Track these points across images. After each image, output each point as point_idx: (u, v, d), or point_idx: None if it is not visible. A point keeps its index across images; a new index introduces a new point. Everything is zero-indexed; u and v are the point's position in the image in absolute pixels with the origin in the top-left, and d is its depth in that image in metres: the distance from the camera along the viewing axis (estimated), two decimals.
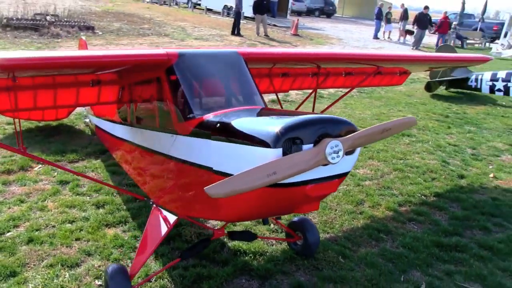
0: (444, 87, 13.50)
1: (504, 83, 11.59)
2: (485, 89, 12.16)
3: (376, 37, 27.47)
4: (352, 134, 2.66)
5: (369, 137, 2.77)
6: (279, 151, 2.50)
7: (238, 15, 21.79)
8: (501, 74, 11.78)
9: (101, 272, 3.89)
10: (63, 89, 4.09)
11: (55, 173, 5.83)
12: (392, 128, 2.87)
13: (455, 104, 12.12)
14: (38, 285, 3.70)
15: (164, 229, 3.59)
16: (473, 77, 12.49)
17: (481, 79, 12.24)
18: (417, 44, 23.92)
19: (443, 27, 24.12)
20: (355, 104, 11.16)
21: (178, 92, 3.42)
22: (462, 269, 4.37)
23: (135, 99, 4.20)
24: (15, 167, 5.86)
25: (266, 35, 22.44)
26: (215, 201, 2.88)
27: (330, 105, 5.75)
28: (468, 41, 28.08)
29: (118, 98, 4.53)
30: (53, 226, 4.61)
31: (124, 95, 4.37)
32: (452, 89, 13.54)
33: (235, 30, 21.80)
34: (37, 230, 4.50)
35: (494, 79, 11.87)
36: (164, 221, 3.64)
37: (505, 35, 27.11)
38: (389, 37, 27.74)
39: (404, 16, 27.21)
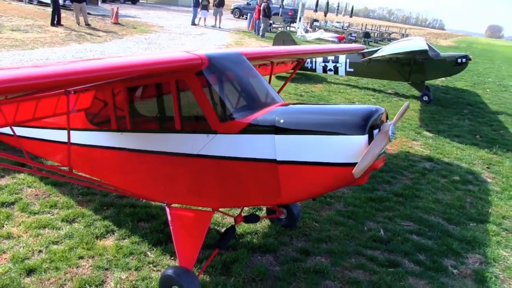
0: None
1: (334, 64, 13.98)
2: (319, 70, 14.41)
3: (193, 23, 28.63)
4: (394, 119, 3.53)
5: (396, 121, 3.67)
6: (367, 137, 3.21)
7: (56, 4, 19.91)
8: (331, 56, 14.15)
9: (133, 282, 3.95)
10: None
11: None
12: (402, 113, 3.84)
13: (300, 84, 14.07)
14: None
15: (200, 225, 3.86)
16: (309, 59, 14.63)
17: (315, 61, 14.43)
18: (264, 32, 26.44)
19: (258, 14, 27.03)
20: None
21: (214, 94, 3.71)
22: (393, 213, 5.80)
23: (134, 104, 4.18)
24: None
25: (88, 24, 21.16)
26: (276, 187, 3.44)
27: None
28: (273, 25, 31.46)
29: (91, 104, 4.38)
30: (40, 251, 4.29)
31: (109, 100, 4.20)
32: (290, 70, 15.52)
33: (55, 20, 19.95)
34: (25, 259, 4.13)
35: (325, 60, 14.16)
36: (197, 217, 3.89)
37: (299, 20, 31.56)
38: (205, 24, 29.14)
39: (220, 3, 29.01)
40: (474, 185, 7.22)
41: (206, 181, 3.82)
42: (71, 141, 4.63)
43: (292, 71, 6.31)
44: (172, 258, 4.34)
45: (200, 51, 3.82)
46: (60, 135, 4.68)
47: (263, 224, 5.15)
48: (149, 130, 4.14)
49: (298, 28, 29.75)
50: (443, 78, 15.91)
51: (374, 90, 14.49)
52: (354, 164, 3.19)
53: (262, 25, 26.64)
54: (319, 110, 3.66)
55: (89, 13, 22.51)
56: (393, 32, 44.30)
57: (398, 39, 30.10)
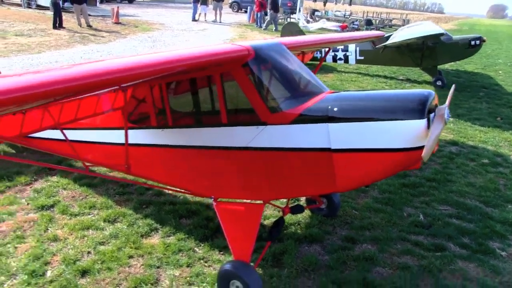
0: None
1: (344, 53, 13.90)
2: (329, 59, 14.31)
3: (194, 19, 28.52)
4: (447, 102, 3.49)
5: (448, 104, 3.62)
6: (425, 121, 3.17)
7: (57, 7, 19.83)
8: (340, 45, 14.07)
9: (188, 278, 3.94)
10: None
11: (21, 200, 5.19)
12: (451, 96, 3.79)
13: None
14: None
15: (252, 217, 3.83)
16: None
17: (324, 51, 14.32)
18: (267, 25, 26.37)
19: (259, 6, 26.96)
20: None
21: (262, 85, 3.67)
22: (429, 198, 5.78)
23: (175, 99, 4.13)
24: None
25: (89, 26, 21.09)
26: (331, 176, 3.42)
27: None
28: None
29: (126, 103, 4.34)
30: (89, 252, 4.28)
31: (148, 97, 4.15)
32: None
33: (56, 23, 19.88)
34: (76, 260, 4.14)
35: (335, 50, 14.07)
36: (248, 210, 3.86)
37: (299, 10, 31.44)
38: (205, 19, 29.03)
39: None
40: (504, 167, 7.18)
41: (257, 173, 3.78)
42: (108, 140, 4.64)
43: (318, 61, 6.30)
44: (222, 253, 4.33)
45: (245, 42, 3.79)
46: (98, 136, 4.65)
47: (304, 214, 5.12)
48: (192, 125, 4.10)
49: (299, 19, 29.59)
50: (452, 62, 15.80)
51: (385, 77, 14.42)
52: (413, 149, 3.17)
53: (268, 17, 26.47)
54: (373, 97, 3.61)
55: (89, 14, 22.45)
56: (393, 19, 44.13)
57: (399, 25, 29.96)
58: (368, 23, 31.38)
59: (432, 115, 3.25)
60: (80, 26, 20.75)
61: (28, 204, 5.15)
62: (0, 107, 2.11)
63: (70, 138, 3.95)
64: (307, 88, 3.85)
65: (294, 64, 4.00)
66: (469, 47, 12.52)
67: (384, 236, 4.76)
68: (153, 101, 4.13)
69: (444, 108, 3.27)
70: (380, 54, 12.54)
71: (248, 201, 3.98)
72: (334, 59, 14.21)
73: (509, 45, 31.17)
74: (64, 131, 3.89)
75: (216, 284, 3.81)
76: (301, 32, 14.07)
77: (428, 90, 3.41)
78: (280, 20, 31.54)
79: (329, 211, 5.07)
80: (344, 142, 3.35)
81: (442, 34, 11.60)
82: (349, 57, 13.89)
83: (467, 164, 7.15)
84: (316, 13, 35.83)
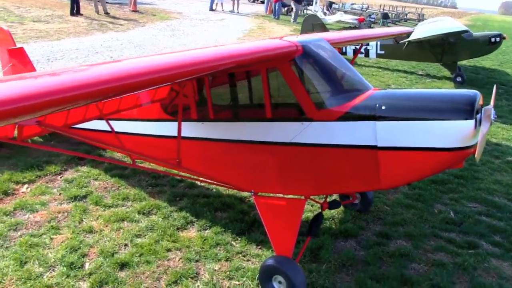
0: None
1: (364, 47, 13.82)
2: (350, 53, 14.23)
3: (211, 9, 28.45)
4: (492, 103, 3.49)
5: (493, 104, 3.62)
6: (474, 121, 3.17)
7: None
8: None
9: (228, 272, 3.98)
10: None
11: (53, 190, 5.24)
12: (495, 96, 3.77)
13: None
14: None
15: (294, 212, 3.85)
16: None
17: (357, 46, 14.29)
18: (295, 18, 26.26)
19: None
20: None
21: (309, 81, 3.68)
22: (458, 195, 5.78)
23: (217, 93, 4.14)
24: None
25: (107, 13, 21.12)
26: (376, 173, 3.42)
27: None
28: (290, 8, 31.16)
29: (167, 95, 4.36)
30: (126, 245, 4.32)
31: (189, 91, 4.10)
32: None
33: (74, 9, 19.93)
34: (114, 253, 4.16)
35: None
36: (290, 205, 3.88)
37: (316, 2, 31.23)
38: (222, 9, 28.99)
39: None
40: None
41: (300, 169, 3.79)
42: (147, 132, 4.67)
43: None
44: (259, 247, 4.36)
45: (292, 37, 3.79)
46: (140, 127, 4.66)
47: (338, 209, 5.13)
48: (234, 119, 4.12)
49: (316, 11, 29.39)
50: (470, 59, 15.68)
51: (405, 72, 14.36)
52: (460, 149, 3.18)
53: (293, 10, 26.39)
54: (421, 96, 3.61)
55: (106, 2, 22.46)
56: (409, 13, 43.82)
57: (414, 19, 29.64)
58: (385, 17, 31.21)
59: (478, 115, 3.25)
60: (98, 13, 20.75)
61: (60, 194, 5.20)
62: (73, 102, 2.11)
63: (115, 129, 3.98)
64: (353, 85, 3.85)
65: (339, 61, 4.00)
66: (489, 44, 12.43)
67: (417, 232, 4.78)
68: (194, 94, 4.14)
69: (491, 109, 3.26)
70: (401, 49, 12.45)
71: (289, 196, 4.00)
72: (355, 52, 14.13)
73: None
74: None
75: (256, 279, 3.85)
76: (323, 25, 13.97)
77: (474, 91, 3.40)
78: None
79: (363, 206, 5.09)
80: (391, 140, 3.36)
81: (466, 31, 11.54)
82: (370, 51, 13.82)
83: (493, 161, 7.12)
84: (334, 5, 35.66)
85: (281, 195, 4.06)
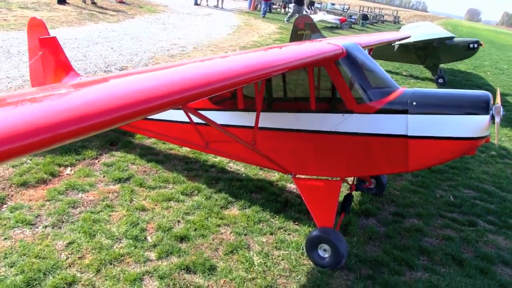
0: None
1: None
2: None
3: (196, 3, 28.78)
4: (499, 102, 4.23)
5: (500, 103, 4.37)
6: (489, 116, 3.91)
7: None
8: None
9: (275, 244, 4.58)
10: None
11: (95, 173, 5.69)
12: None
13: None
14: (259, 265, 4.22)
15: (332, 191, 4.48)
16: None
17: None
18: (290, 18, 26.70)
19: None
20: None
21: (352, 79, 4.33)
22: (455, 183, 6.61)
23: (274, 87, 4.70)
24: (40, 176, 5.43)
25: (94, 3, 21.14)
26: (405, 158, 4.12)
27: None
28: (273, 7, 31.82)
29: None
30: (179, 221, 4.83)
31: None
32: None
33: None
34: (170, 228, 4.65)
35: None
36: (328, 185, 4.51)
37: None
38: (207, 4, 29.32)
39: None
40: (509, 158, 8.10)
41: (339, 154, 4.43)
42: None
43: None
44: (296, 224, 4.99)
45: (335, 40, 4.43)
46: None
47: (356, 193, 5.81)
48: (283, 110, 4.67)
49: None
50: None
51: (390, 72, 15.23)
52: (476, 138, 3.93)
53: (291, 10, 27.28)
54: (445, 95, 4.35)
55: None
56: (385, 14, 45.43)
57: (390, 21, 30.71)
58: (364, 18, 32.40)
59: (491, 111, 4.00)
60: (85, 3, 20.75)
61: (104, 176, 5.65)
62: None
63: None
64: (385, 83, 4.52)
65: (372, 62, 4.68)
66: (468, 49, 13.46)
67: (425, 213, 5.54)
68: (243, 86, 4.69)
69: (500, 107, 4.02)
70: (390, 49, 13.30)
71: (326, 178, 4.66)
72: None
73: (490, 49, 32.66)
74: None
75: (300, 248, 4.48)
76: (314, 25, 14.63)
77: (486, 92, 4.15)
78: (278, 9, 32.12)
79: (377, 190, 5.81)
80: (419, 130, 4.06)
81: (452, 37, 12.49)
82: None
83: (479, 155, 8.01)
84: (316, 5, 36.56)
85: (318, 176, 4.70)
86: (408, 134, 4.08)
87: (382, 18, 40.38)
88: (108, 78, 2.67)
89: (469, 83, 15.11)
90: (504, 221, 5.61)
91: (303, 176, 4.71)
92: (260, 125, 4.67)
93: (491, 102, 4.02)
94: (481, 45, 13.59)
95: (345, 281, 4.12)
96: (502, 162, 7.85)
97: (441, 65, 14.88)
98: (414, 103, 4.08)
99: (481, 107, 3.93)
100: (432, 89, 4.68)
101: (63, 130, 1.62)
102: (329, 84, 4.41)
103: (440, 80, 13.53)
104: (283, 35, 21.29)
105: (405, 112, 4.09)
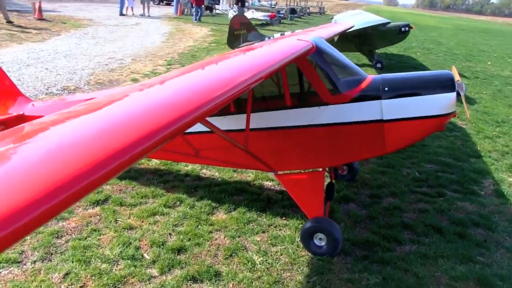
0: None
1: None
2: None
3: (121, 13, 28.08)
4: (459, 78, 4.61)
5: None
6: (455, 93, 4.25)
7: None
8: (288, 32, 15.09)
9: (269, 241, 4.69)
10: None
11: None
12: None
13: None
14: (261, 263, 4.31)
15: (317, 182, 4.66)
16: (266, 40, 15.51)
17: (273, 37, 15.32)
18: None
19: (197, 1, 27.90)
20: None
21: (323, 72, 4.51)
22: (416, 159, 7.09)
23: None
24: None
25: (10, 22, 19.50)
26: (382, 141, 4.40)
27: None
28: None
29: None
30: (170, 234, 4.76)
31: None
32: None
33: None
34: (164, 242, 4.61)
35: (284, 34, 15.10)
36: (311, 177, 4.68)
37: (223, 1, 32.28)
38: (133, 13, 28.72)
39: None
40: (457, 131, 8.78)
41: (318, 145, 4.60)
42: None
43: None
44: (284, 218, 5.14)
45: (304, 36, 4.60)
46: None
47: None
48: (262, 109, 4.70)
49: (228, 10, 30.35)
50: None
51: None
52: (446, 115, 4.26)
53: (235, 11, 27.42)
54: (412, 77, 4.65)
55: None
56: (311, 6, 46.81)
57: (316, 12, 31.70)
58: (292, 12, 33.23)
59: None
60: (6, 21, 19.48)
61: (80, 201, 5.48)
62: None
63: None
64: (354, 73, 4.77)
65: (339, 54, 4.91)
66: (400, 33, 14.28)
67: (399, 191, 5.90)
68: None
69: (462, 83, 4.41)
70: (333, 42, 13.79)
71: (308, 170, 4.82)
72: None
73: (414, 31, 34.64)
74: None
75: (295, 241, 4.63)
76: (250, 24, 14.85)
77: (448, 71, 4.51)
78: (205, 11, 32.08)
79: (350, 176, 6.09)
80: (394, 113, 4.34)
81: (388, 23, 13.19)
82: None
83: None
84: (247, 3, 36.89)
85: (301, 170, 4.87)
86: (384, 118, 4.34)
87: (308, 10, 41.69)
88: (75, 113, 2.19)
89: (404, 65, 16.06)
90: (467, 188, 6.12)
91: (284, 172, 4.85)
92: (242, 127, 4.78)
93: (455, 80, 4.39)
94: (411, 27, 14.45)
95: (344, 265, 4.32)
96: (452, 135, 8.49)
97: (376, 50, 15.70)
98: (386, 89, 4.35)
99: (448, 85, 4.28)
100: (398, 73, 5.02)
101: None
102: (303, 79, 4.59)
103: (378, 65, 14.25)
104: (217, 37, 21.38)
105: (378, 98, 4.35)
